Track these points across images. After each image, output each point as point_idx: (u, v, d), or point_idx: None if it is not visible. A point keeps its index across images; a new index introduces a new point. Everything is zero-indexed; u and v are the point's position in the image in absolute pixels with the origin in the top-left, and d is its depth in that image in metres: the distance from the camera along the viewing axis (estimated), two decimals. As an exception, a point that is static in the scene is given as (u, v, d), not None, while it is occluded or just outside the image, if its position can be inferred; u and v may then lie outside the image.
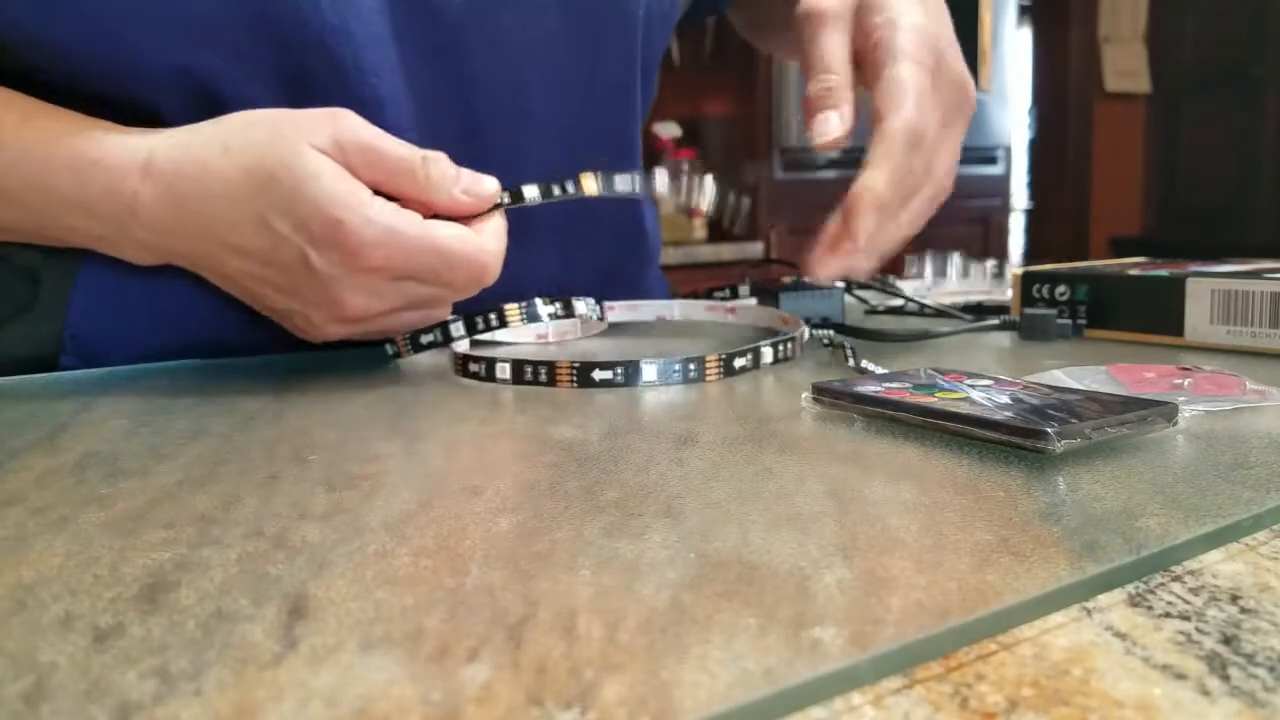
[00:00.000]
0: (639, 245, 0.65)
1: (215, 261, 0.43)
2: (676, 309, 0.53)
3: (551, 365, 0.40)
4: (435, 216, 0.41)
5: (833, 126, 0.47)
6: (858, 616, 0.18)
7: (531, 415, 0.35)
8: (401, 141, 0.41)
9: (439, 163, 0.41)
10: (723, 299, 0.68)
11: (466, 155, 0.43)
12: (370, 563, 0.21)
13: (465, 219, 0.42)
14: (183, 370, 0.47)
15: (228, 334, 0.50)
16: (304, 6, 0.45)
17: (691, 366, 0.40)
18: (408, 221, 0.40)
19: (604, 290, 0.62)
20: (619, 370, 0.40)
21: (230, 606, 0.19)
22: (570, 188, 0.45)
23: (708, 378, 0.40)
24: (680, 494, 0.25)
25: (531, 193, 0.44)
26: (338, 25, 0.46)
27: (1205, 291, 0.47)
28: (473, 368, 0.43)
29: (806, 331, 0.46)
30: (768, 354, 0.44)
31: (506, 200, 0.43)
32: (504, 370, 0.41)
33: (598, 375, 0.40)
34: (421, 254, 0.40)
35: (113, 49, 0.43)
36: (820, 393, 0.35)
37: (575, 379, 0.40)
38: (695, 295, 0.70)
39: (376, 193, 0.40)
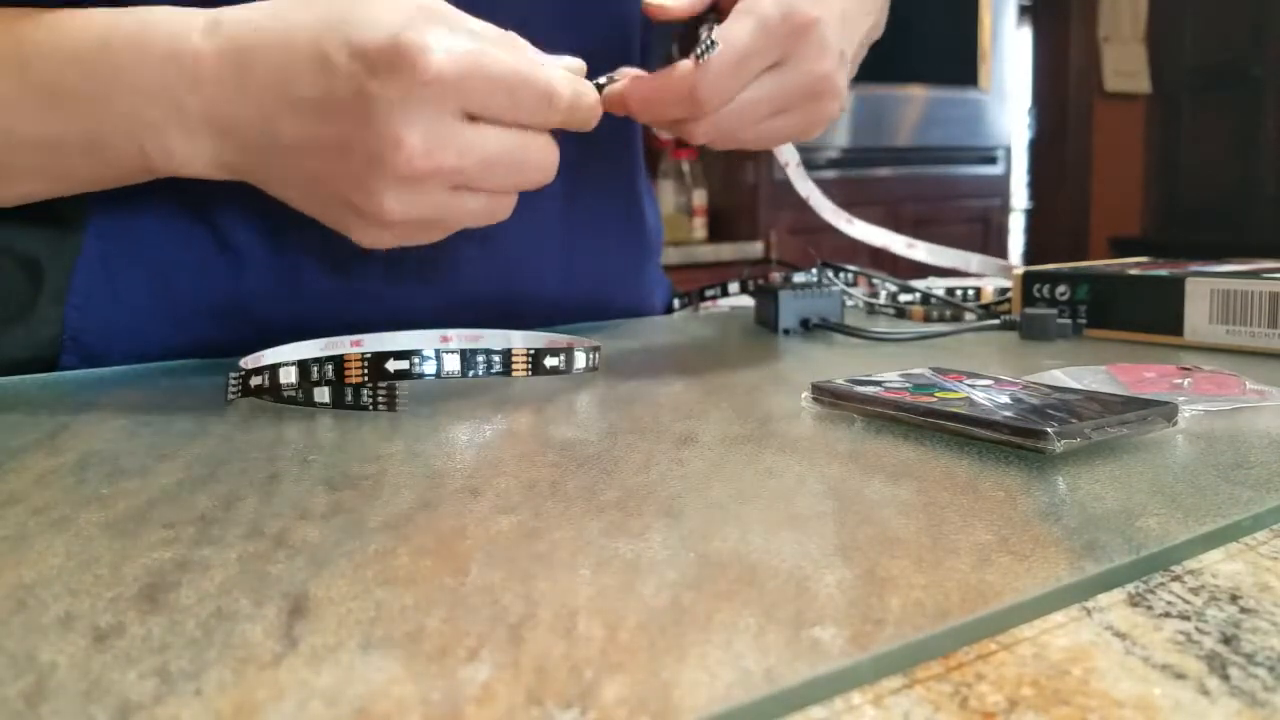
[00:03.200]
0: (640, 239, 0.65)
1: (272, 129, 0.40)
2: (518, 340, 0.49)
3: (340, 360, 0.36)
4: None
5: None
6: (858, 616, 0.18)
7: (532, 415, 0.35)
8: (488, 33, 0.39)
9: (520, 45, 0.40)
10: (713, 297, 0.68)
11: None
12: (370, 563, 0.21)
13: None
14: (183, 370, 0.47)
15: (227, 330, 0.50)
16: None
17: (496, 359, 0.37)
18: (471, 39, 0.38)
19: (604, 287, 0.62)
20: (415, 360, 0.36)
21: (230, 606, 0.19)
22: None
23: (514, 372, 0.38)
24: (680, 494, 0.25)
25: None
26: None
27: (1205, 291, 0.47)
28: (255, 381, 0.38)
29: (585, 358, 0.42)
30: (580, 359, 0.41)
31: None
32: (289, 374, 0.37)
33: (392, 366, 0.36)
34: (490, 66, 0.37)
35: None
36: (820, 393, 0.35)
37: (367, 372, 0.36)
38: (688, 294, 0.70)
39: None
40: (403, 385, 0.36)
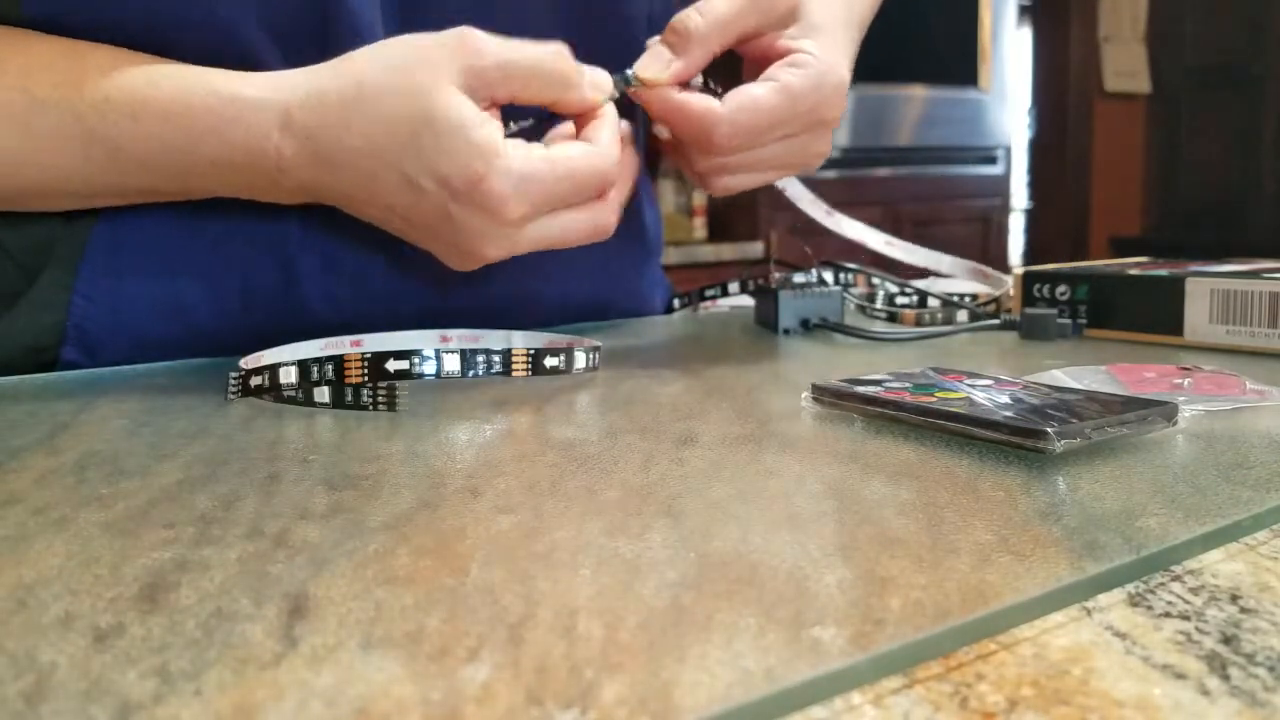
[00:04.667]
0: (640, 239, 0.65)
1: (360, 207, 0.44)
2: (518, 340, 0.50)
3: (340, 360, 0.36)
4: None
5: (653, 68, 0.45)
6: (858, 616, 0.18)
7: (532, 415, 0.35)
8: (526, 43, 0.42)
9: (565, 58, 0.42)
10: (713, 297, 0.68)
11: None
12: (370, 563, 0.21)
13: (581, 119, 0.44)
14: (183, 370, 0.47)
15: (230, 326, 0.50)
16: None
17: (496, 359, 0.38)
18: (539, 162, 0.40)
19: (604, 287, 0.62)
20: (415, 360, 0.36)
21: (230, 606, 0.19)
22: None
23: (514, 372, 0.38)
24: (680, 494, 0.25)
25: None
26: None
27: (1205, 291, 0.47)
28: (255, 381, 0.38)
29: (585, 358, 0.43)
30: (580, 359, 0.42)
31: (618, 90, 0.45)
32: (289, 374, 0.37)
33: (392, 366, 0.36)
34: (556, 187, 0.41)
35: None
36: (820, 393, 0.35)
37: (367, 372, 0.36)
38: (688, 294, 0.70)
39: (513, 109, 0.42)
40: (402, 385, 0.36)
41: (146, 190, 0.45)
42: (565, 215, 0.43)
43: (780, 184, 0.61)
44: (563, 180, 0.41)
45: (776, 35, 0.47)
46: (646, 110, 0.46)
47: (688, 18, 0.45)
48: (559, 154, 0.41)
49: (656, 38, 0.46)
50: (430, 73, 0.39)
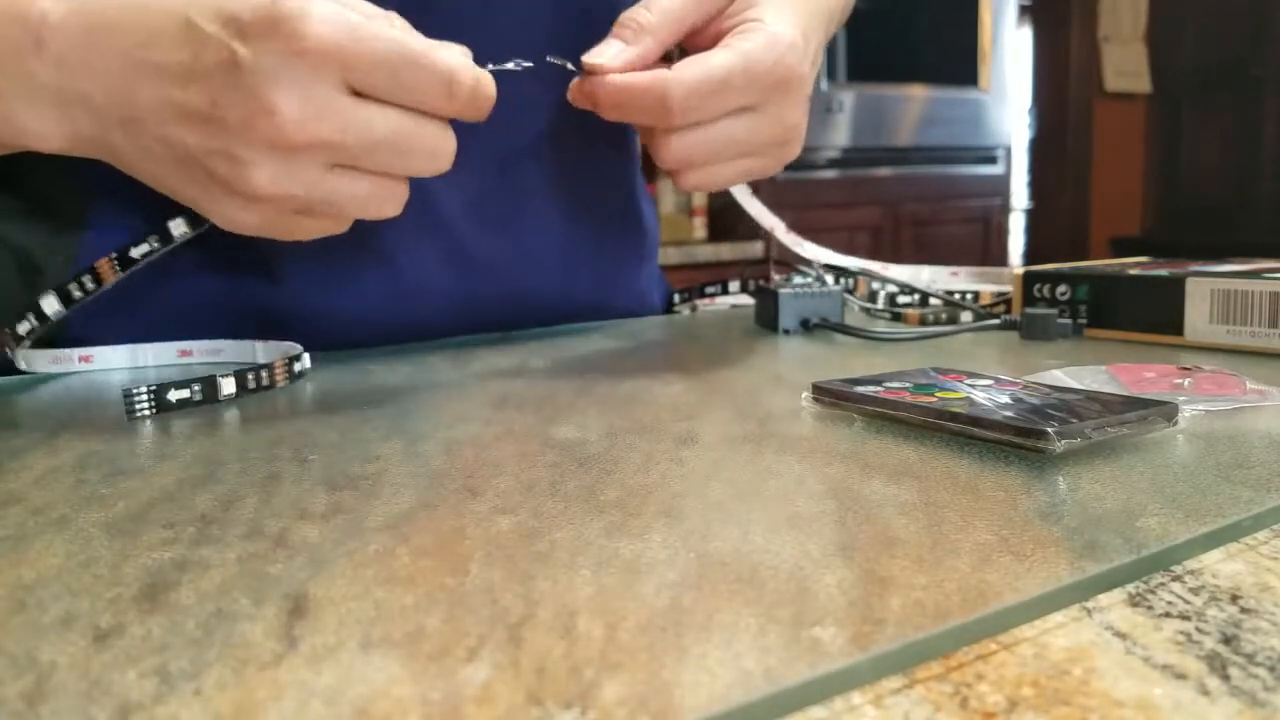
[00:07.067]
0: (638, 238, 0.65)
1: (128, 97, 0.36)
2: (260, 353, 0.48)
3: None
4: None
5: (605, 55, 0.43)
6: (858, 616, 0.18)
7: (532, 415, 0.35)
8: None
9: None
10: (713, 295, 0.69)
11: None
12: (370, 563, 0.21)
13: None
14: (182, 370, 0.47)
15: (227, 334, 0.50)
16: None
17: (264, 374, 0.35)
18: (353, 11, 0.35)
19: (602, 287, 0.62)
20: (196, 387, 0.33)
21: (230, 606, 0.19)
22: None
23: (277, 381, 0.35)
24: (680, 494, 0.25)
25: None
26: None
27: (1205, 291, 0.47)
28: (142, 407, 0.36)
29: None
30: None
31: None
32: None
33: (174, 396, 0.33)
34: (374, 40, 0.35)
35: None
36: (820, 392, 0.35)
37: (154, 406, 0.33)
38: (688, 292, 0.70)
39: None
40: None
41: None
42: (404, 114, 0.36)
43: (738, 196, 0.61)
44: (390, 42, 0.35)
45: (723, 17, 0.46)
46: (596, 107, 0.43)
47: (636, 11, 0.44)
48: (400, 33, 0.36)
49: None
50: None
